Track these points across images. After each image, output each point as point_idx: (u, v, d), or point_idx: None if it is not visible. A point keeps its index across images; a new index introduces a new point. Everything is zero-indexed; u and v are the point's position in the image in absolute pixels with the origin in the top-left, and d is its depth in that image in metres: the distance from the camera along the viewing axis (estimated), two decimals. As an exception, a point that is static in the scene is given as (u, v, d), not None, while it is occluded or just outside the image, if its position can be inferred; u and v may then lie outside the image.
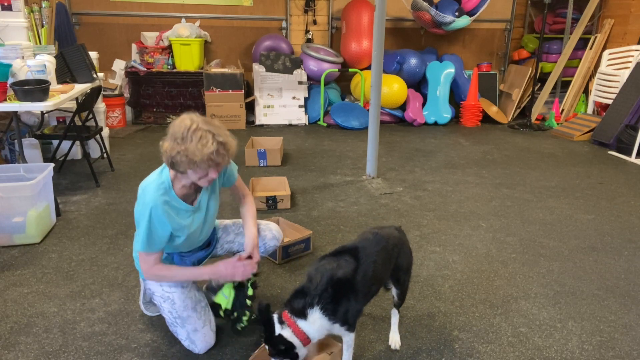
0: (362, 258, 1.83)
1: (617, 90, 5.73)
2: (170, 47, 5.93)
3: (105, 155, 4.50)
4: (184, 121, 1.79)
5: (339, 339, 2.00)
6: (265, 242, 2.31)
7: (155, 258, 1.94)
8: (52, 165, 3.19)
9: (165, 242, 1.95)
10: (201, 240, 2.16)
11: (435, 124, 6.43)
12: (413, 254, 2.97)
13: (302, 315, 1.72)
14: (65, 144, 4.24)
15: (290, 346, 1.72)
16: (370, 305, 2.43)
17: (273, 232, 2.33)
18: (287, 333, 1.72)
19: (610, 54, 6.16)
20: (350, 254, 1.85)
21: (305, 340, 1.72)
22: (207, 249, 2.25)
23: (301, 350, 1.75)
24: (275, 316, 1.75)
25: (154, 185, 1.89)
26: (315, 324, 1.72)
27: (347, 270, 1.78)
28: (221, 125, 1.85)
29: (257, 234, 2.16)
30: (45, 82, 3.34)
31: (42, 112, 4.25)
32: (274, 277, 2.67)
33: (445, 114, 6.37)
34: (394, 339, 2.16)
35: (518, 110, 6.85)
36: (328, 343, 1.98)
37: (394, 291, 2.10)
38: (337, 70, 6.18)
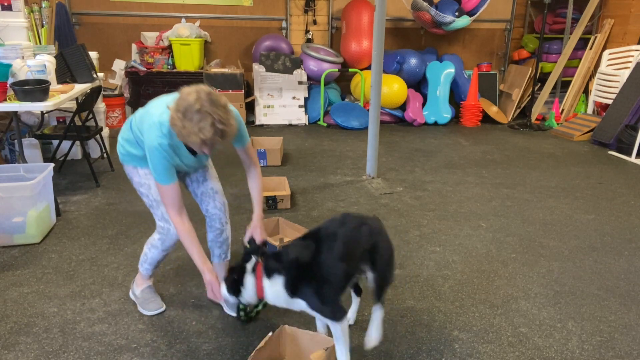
0: (324, 238, 1.87)
1: (617, 90, 5.73)
2: (170, 47, 5.92)
3: (105, 155, 4.50)
4: (190, 95, 1.77)
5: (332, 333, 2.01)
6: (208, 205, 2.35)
7: (175, 189, 1.99)
8: (52, 165, 3.19)
9: (173, 174, 1.99)
10: (186, 170, 2.22)
11: (435, 124, 6.43)
12: (413, 254, 2.97)
13: (269, 275, 1.87)
14: (65, 144, 4.24)
15: (240, 281, 1.88)
16: (368, 305, 2.43)
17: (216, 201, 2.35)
18: (249, 279, 1.88)
19: (610, 54, 6.16)
20: (313, 237, 1.90)
21: (260, 292, 1.88)
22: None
23: (248, 293, 1.89)
24: (253, 262, 1.91)
25: (156, 129, 1.93)
26: (274, 288, 1.85)
27: (306, 254, 1.85)
28: (226, 104, 1.82)
29: (261, 215, 2.24)
30: (45, 82, 3.34)
31: (42, 112, 4.25)
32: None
33: (445, 114, 6.37)
34: (371, 336, 2.01)
35: (518, 110, 6.85)
36: (324, 340, 1.98)
37: (370, 276, 1.98)
38: (337, 70, 6.18)
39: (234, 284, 1.91)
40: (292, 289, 1.84)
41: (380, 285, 1.99)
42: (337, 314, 1.85)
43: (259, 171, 2.27)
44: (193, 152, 2.07)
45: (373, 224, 1.98)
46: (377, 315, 2.02)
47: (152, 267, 2.36)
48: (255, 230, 2.20)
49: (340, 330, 1.85)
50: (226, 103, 1.84)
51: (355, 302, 2.28)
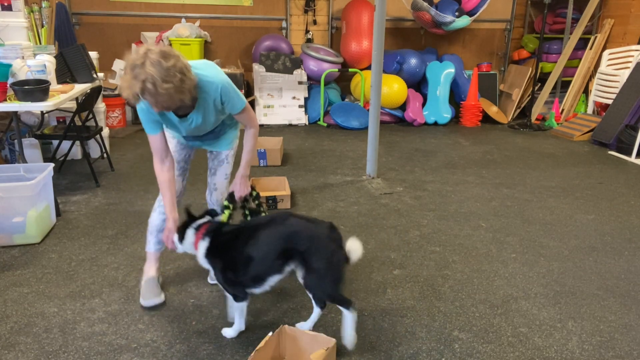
0: (247, 224, 2.14)
1: (617, 90, 5.73)
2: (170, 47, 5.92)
3: (105, 155, 4.50)
4: (137, 53, 1.86)
5: (332, 334, 2.01)
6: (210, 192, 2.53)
7: (157, 139, 2.15)
8: (52, 165, 3.19)
9: (156, 128, 2.14)
10: (191, 135, 2.30)
11: (435, 124, 6.43)
12: (413, 254, 2.97)
13: (204, 236, 2.11)
14: (65, 144, 4.24)
15: (184, 232, 2.13)
16: (368, 305, 2.43)
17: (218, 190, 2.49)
18: (190, 233, 2.11)
19: (610, 54, 6.16)
20: (252, 221, 2.19)
21: (196, 246, 2.11)
22: (202, 142, 2.41)
23: (187, 244, 2.13)
24: (204, 220, 2.14)
25: None
26: (203, 247, 2.09)
27: (227, 228, 2.12)
28: (170, 67, 1.84)
29: (243, 172, 2.37)
30: (45, 82, 3.34)
31: (42, 112, 4.25)
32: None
33: (445, 114, 6.37)
34: (346, 339, 2.08)
35: (518, 110, 6.85)
36: (324, 340, 1.99)
37: (301, 277, 2.02)
38: (337, 70, 6.17)
39: (181, 233, 2.15)
40: (209, 254, 2.09)
41: (313, 295, 2.05)
42: (236, 297, 2.11)
43: (254, 132, 2.34)
44: (181, 114, 2.15)
45: (311, 228, 2.01)
46: (347, 319, 2.07)
47: (153, 238, 2.47)
48: (235, 187, 2.37)
49: (236, 306, 2.15)
50: (172, 67, 1.85)
51: (315, 312, 2.18)
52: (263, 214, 2.42)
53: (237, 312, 2.17)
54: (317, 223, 2.05)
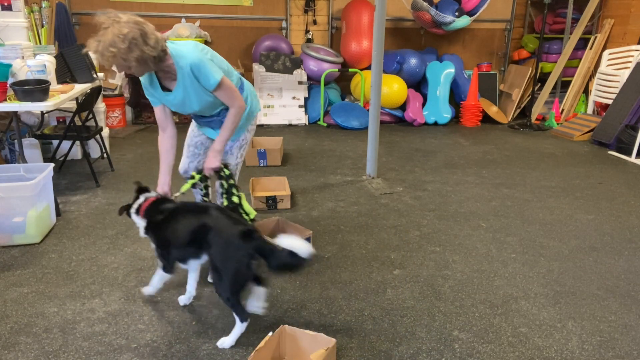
0: (178, 207, 2.25)
1: (617, 90, 5.73)
2: (170, 47, 5.92)
3: (105, 155, 4.50)
4: (107, 16, 2.03)
5: (332, 334, 2.02)
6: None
7: (158, 111, 2.42)
8: (52, 165, 3.19)
9: (156, 101, 2.39)
10: (190, 112, 2.46)
11: (435, 124, 6.43)
12: (413, 254, 2.97)
13: (144, 215, 2.27)
14: (65, 144, 4.24)
15: (129, 207, 2.32)
16: (368, 305, 2.44)
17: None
18: (134, 213, 2.30)
19: (610, 54, 6.16)
20: (187, 205, 2.30)
21: (139, 222, 2.31)
22: (212, 129, 2.59)
23: (135, 220, 2.32)
24: (139, 203, 2.28)
25: None
26: (142, 225, 2.28)
27: (163, 207, 2.26)
28: (122, 35, 1.98)
29: (215, 148, 2.43)
30: (45, 82, 3.35)
31: (42, 112, 4.25)
32: (275, 276, 2.68)
33: (445, 114, 6.37)
34: (225, 342, 2.15)
35: (518, 110, 6.85)
36: (324, 340, 1.99)
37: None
38: (337, 70, 6.17)
39: (127, 214, 2.34)
40: (146, 231, 2.28)
41: (214, 278, 2.14)
42: (164, 268, 2.32)
43: (233, 112, 2.39)
44: (169, 89, 2.32)
45: (222, 226, 2.06)
46: (235, 327, 2.15)
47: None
48: (205, 162, 2.47)
49: (160, 273, 2.36)
50: (124, 35, 1.99)
51: (258, 292, 2.20)
52: (235, 198, 2.46)
53: (157, 278, 2.39)
54: (234, 225, 2.06)
